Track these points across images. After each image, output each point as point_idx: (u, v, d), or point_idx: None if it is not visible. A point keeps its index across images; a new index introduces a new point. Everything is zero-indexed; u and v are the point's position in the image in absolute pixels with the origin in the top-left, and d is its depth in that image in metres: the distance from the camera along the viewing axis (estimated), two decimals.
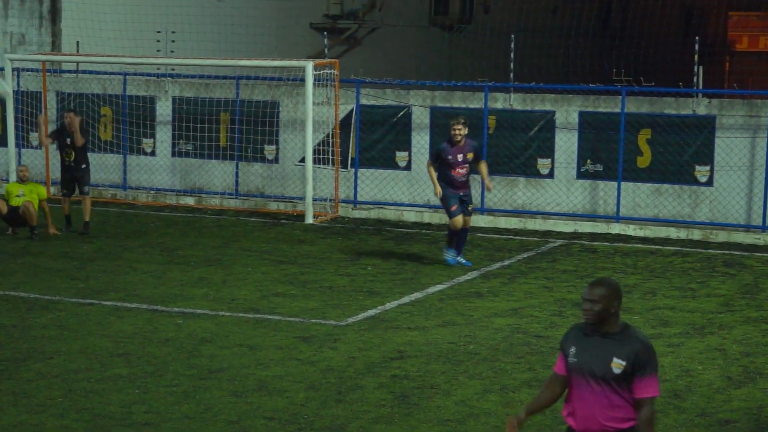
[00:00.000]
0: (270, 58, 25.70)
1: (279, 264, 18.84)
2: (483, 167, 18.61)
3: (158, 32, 27.89)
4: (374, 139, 24.09)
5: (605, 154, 22.57)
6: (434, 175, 18.45)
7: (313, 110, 23.40)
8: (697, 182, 22.06)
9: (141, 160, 25.84)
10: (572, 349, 7.55)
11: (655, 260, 19.72)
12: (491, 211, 23.20)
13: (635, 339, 7.45)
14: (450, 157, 18.25)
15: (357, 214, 23.94)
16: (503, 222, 22.80)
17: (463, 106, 23.53)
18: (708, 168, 21.96)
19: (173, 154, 25.65)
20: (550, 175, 23.00)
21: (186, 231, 21.99)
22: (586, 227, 22.50)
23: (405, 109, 23.87)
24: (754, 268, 19.18)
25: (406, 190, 23.92)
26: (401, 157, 23.96)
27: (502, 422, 11.13)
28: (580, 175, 22.82)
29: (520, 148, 23.05)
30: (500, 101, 23.36)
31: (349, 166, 24.29)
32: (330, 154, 24.06)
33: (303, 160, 23.89)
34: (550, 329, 14.82)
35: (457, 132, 18.25)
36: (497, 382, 12.50)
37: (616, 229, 22.25)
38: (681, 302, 16.54)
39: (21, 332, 14.33)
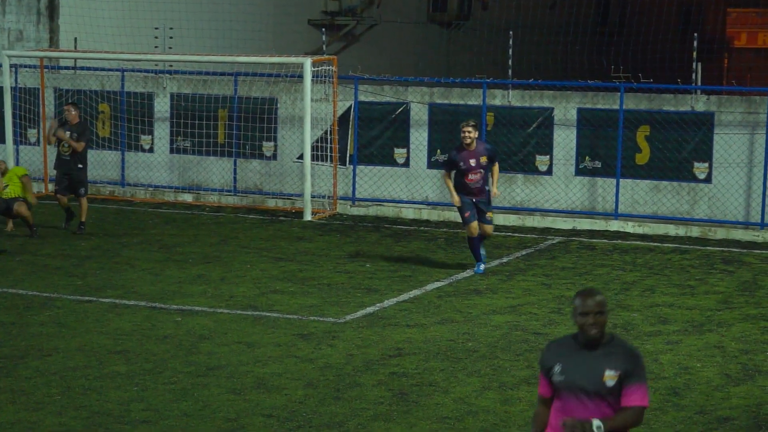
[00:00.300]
0: (268, 54, 25.69)
1: (277, 261, 18.83)
2: (494, 170, 17.73)
3: (156, 29, 27.87)
4: (372, 136, 24.08)
5: (604, 150, 22.56)
6: (451, 184, 17.56)
7: (311, 107, 23.38)
8: (695, 179, 22.05)
9: (139, 157, 25.82)
10: (557, 367, 7.10)
11: (653, 257, 19.71)
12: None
13: (624, 348, 7.08)
14: (462, 163, 17.36)
15: (355, 211, 23.92)
16: (502, 219, 22.78)
17: (462, 102, 23.51)
18: (707, 165, 21.95)
19: (171, 151, 25.63)
20: (549, 172, 22.99)
21: (184, 228, 21.97)
22: (584, 224, 22.50)
23: (403, 106, 23.86)
24: (752, 265, 19.17)
25: (404, 186, 23.91)
26: (399, 153, 23.95)
27: (501, 419, 11.13)
28: (579, 172, 22.80)
29: (518, 145, 23.04)
30: (498, 98, 23.34)
31: (347, 162, 24.27)
32: (328, 150, 24.04)
33: (301, 156, 23.88)
34: (549, 326, 14.81)
35: (467, 135, 17.31)
36: (496, 379, 12.49)
37: (614, 226, 22.25)
38: (680, 299, 16.53)
39: (19, 330, 14.31)
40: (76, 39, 27.21)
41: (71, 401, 11.56)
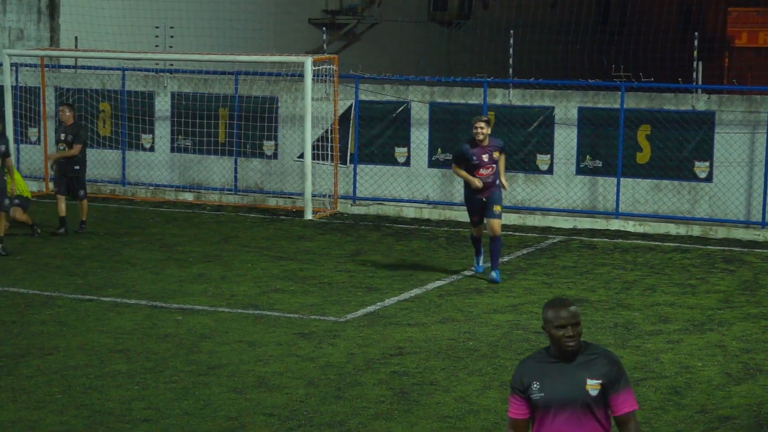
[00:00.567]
0: (269, 53, 25.68)
1: (278, 260, 18.83)
2: (501, 161, 17.20)
3: (157, 27, 27.85)
4: (373, 135, 24.07)
5: (604, 149, 22.56)
6: (463, 172, 16.99)
7: (312, 106, 23.38)
8: (696, 178, 22.05)
9: (140, 156, 25.82)
10: (535, 385, 6.68)
11: (654, 256, 19.71)
12: None
13: (602, 355, 6.73)
14: (474, 158, 16.90)
15: (356, 210, 23.92)
16: (503, 218, 22.72)
17: (462, 101, 23.51)
18: (707, 164, 21.94)
19: (172, 150, 25.63)
20: (550, 171, 22.98)
21: (185, 227, 21.98)
22: (585, 223, 22.49)
23: (404, 105, 23.85)
24: (753, 264, 19.17)
25: (405, 185, 23.90)
26: (400, 152, 23.94)
27: (502, 418, 11.12)
28: (580, 171, 22.80)
29: (519, 144, 23.03)
30: (499, 97, 23.34)
31: (348, 161, 24.26)
32: (329, 149, 24.04)
33: (302, 155, 23.87)
34: None
35: (479, 131, 16.84)
36: (497, 378, 12.49)
37: (615, 225, 22.25)
38: (680, 298, 16.53)
39: (20, 328, 14.31)
40: (76, 38, 27.20)
41: (72, 400, 11.56)
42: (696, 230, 21.82)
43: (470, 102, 23.43)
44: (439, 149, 23.57)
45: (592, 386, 6.64)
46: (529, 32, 31.81)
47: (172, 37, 27.71)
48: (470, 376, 12.54)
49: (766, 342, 14.22)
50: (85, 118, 25.83)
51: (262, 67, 25.10)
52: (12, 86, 25.24)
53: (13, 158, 24.41)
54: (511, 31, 24.22)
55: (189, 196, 25.18)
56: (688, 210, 22.16)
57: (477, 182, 16.88)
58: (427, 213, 23.46)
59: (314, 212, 23.33)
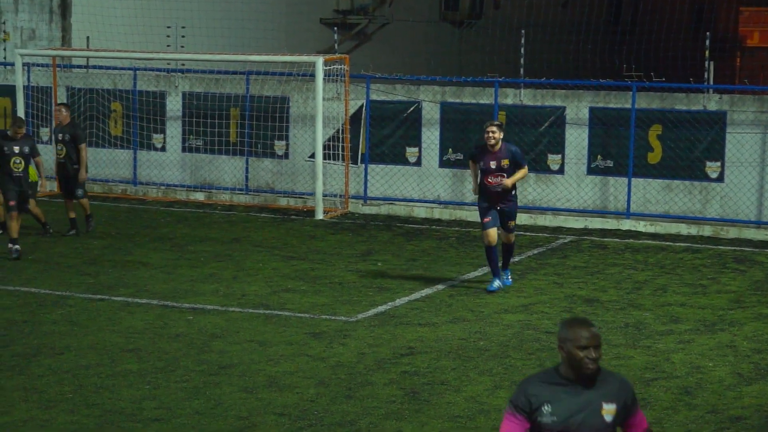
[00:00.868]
0: (280, 53, 25.70)
1: (289, 260, 18.84)
2: (521, 171, 16.35)
3: (168, 27, 27.88)
4: (384, 135, 24.08)
5: (616, 149, 22.54)
6: (474, 172, 16.54)
7: (323, 106, 23.39)
8: (707, 178, 22.02)
9: (151, 156, 25.86)
10: (546, 407, 6.32)
11: (665, 256, 19.69)
12: None
13: (613, 377, 6.46)
14: (482, 163, 16.26)
15: (367, 209, 23.92)
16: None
17: (474, 101, 23.50)
18: (719, 164, 21.91)
19: (183, 150, 25.66)
20: (561, 170, 22.97)
21: (196, 226, 22.00)
22: (596, 223, 22.48)
23: (415, 105, 23.85)
24: (765, 265, 19.13)
25: (416, 185, 23.90)
26: (411, 152, 23.95)
27: None
28: (591, 170, 22.78)
29: (530, 144, 23.02)
30: (510, 97, 23.33)
31: (359, 161, 24.27)
32: (340, 149, 24.05)
33: (313, 155, 23.89)
34: None
35: (491, 136, 16.11)
36: (507, 378, 12.48)
37: (626, 225, 22.23)
38: (692, 298, 16.51)
39: (32, 328, 14.34)
40: (88, 38, 27.25)
41: (83, 399, 11.59)
42: (707, 230, 21.79)
43: (481, 102, 23.42)
44: (450, 149, 23.57)
45: (608, 411, 6.35)
46: (541, 32, 31.79)
47: (183, 36, 27.75)
48: (481, 376, 12.54)
49: None
50: (96, 117, 25.89)
51: (273, 67, 25.11)
52: (24, 86, 25.29)
53: None
54: (523, 31, 24.21)
55: (200, 196, 25.21)
56: (699, 210, 22.13)
57: (474, 190, 16.58)
58: (438, 213, 23.46)
59: (325, 212, 23.34)
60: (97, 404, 11.44)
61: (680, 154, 22.10)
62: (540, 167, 23.06)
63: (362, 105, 24.15)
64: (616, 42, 34.75)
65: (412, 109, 23.86)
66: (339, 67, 23.95)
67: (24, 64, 25.45)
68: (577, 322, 6.42)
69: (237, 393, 11.83)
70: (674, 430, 10.95)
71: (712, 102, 22.08)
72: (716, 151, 21.91)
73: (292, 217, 23.26)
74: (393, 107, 24.00)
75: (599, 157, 22.71)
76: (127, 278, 17.21)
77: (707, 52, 22.79)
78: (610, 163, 22.64)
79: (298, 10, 33.89)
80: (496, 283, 16.58)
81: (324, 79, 23.33)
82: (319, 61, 23.25)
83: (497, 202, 16.31)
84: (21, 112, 24.81)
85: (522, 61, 23.93)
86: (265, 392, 11.87)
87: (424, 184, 23.84)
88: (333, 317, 15.04)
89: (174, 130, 25.71)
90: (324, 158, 23.60)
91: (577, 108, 22.83)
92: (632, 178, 22.32)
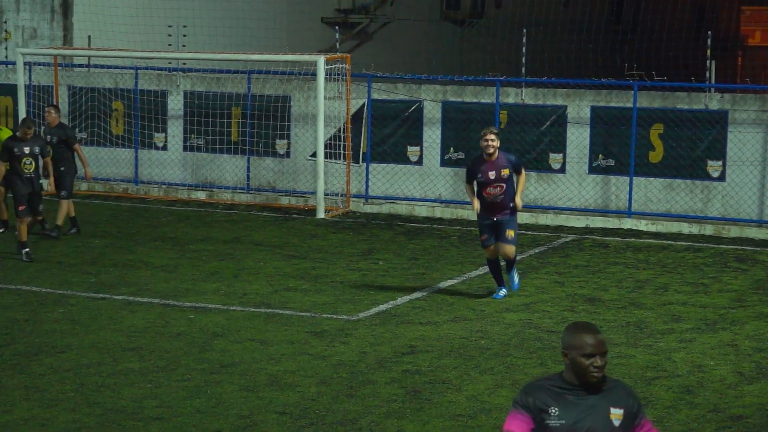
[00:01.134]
0: (281, 52, 25.71)
1: (290, 259, 18.84)
2: (521, 179, 15.69)
3: (170, 26, 27.90)
4: (386, 134, 24.08)
5: (617, 148, 22.53)
6: (471, 190, 15.67)
7: (324, 105, 23.40)
8: (709, 177, 22.01)
9: (152, 155, 25.86)
10: (554, 410, 6.17)
11: (667, 255, 19.68)
12: None
13: (618, 383, 6.34)
14: (480, 175, 15.37)
15: (368, 208, 23.93)
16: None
17: (475, 100, 23.50)
18: (720, 163, 21.91)
19: (185, 149, 25.66)
20: (562, 169, 22.97)
21: (197, 225, 22.01)
22: (597, 222, 22.47)
23: (416, 104, 23.85)
24: (766, 264, 19.13)
25: (417, 184, 23.90)
26: (413, 151, 23.95)
27: None
28: (592, 170, 22.78)
29: (531, 143, 23.02)
30: (512, 96, 23.33)
31: (360, 160, 24.27)
32: (341, 148, 24.05)
33: (314, 154, 23.89)
34: (562, 324, 14.79)
35: (489, 144, 15.28)
36: (509, 377, 12.49)
37: (628, 224, 22.22)
38: (693, 297, 16.51)
39: (33, 326, 14.35)
40: (89, 37, 27.25)
41: (85, 398, 11.59)
42: (709, 229, 21.79)
43: (483, 101, 23.42)
44: (452, 148, 23.56)
45: (616, 416, 6.21)
46: (542, 31, 31.80)
47: (185, 36, 27.76)
48: (482, 375, 12.54)
49: None
50: (98, 116, 25.89)
51: (274, 66, 25.11)
52: (25, 85, 25.29)
53: None
54: (524, 30, 24.21)
55: (201, 195, 25.22)
56: (700, 209, 22.12)
57: (476, 206, 15.49)
58: (440, 212, 23.46)
59: (326, 211, 23.34)
60: (99, 403, 11.44)
61: (682, 153, 22.09)
62: (541, 166, 23.06)
63: (364, 104, 24.15)
64: (618, 41, 34.75)
65: (413, 108, 23.86)
66: (340, 66, 23.96)
67: (25, 63, 25.45)
68: (582, 327, 6.23)
69: (238, 392, 11.83)
70: (675, 429, 10.94)
71: (713, 101, 22.07)
72: (718, 150, 21.91)
73: (294, 216, 23.27)
74: (394, 106, 24.01)
75: (601, 156, 22.70)
76: (129, 277, 17.21)
77: (709, 51, 22.78)
78: (611, 162, 22.64)
79: (299, 9, 33.89)
80: (503, 292, 16.08)
81: (325, 78, 23.33)
82: (321, 60, 23.26)
83: (496, 213, 15.51)
84: (22, 112, 24.81)
85: (523, 60, 23.93)
86: (267, 391, 11.87)
87: (426, 183, 23.84)
88: (334, 316, 15.04)
89: (175, 129, 25.72)
90: (325, 157, 23.60)
91: (579, 107, 22.82)
92: (634, 177, 22.32)
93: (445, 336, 14.12)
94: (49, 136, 20.32)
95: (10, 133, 20.17)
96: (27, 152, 18.58)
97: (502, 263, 16.16)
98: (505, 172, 15.37)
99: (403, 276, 17.63)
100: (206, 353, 13.22)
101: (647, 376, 12.55)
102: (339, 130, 24.12)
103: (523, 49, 23.94)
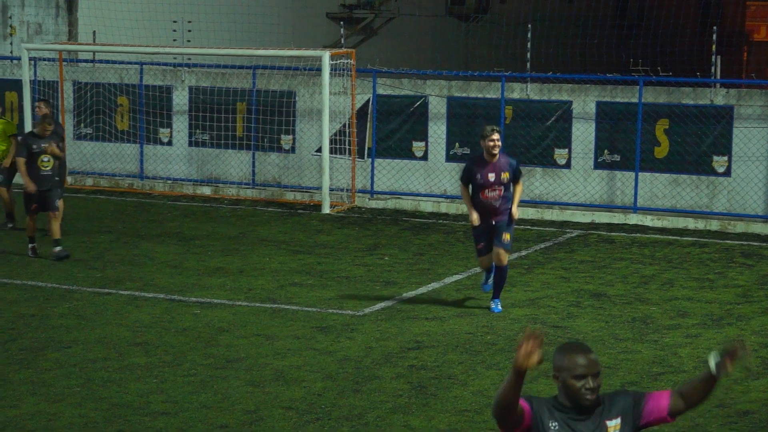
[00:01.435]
0: (286, 47, 25.68)
1: (296, 254, 18.84)
2: (517, 189, 14.74)
3: (174, 22, 27.87)
4: (391, 129, 24.06)
5: (622, 144, 22.51)
6: (468, 198, 14.74)
7: (329, 100, 23.38)
8: (714, 172, 21.99)
9: (158, 150, 25.86)
10: (553, 425, 5.95)
11: (672, 251, 19.67)
12: None
13: (609, 396, 6.07)
14: (479, 176, 14.51)
15: (374, 204, 23.92)
16: (520, 212, 22.63)
17: (480, 96, 23.48)
18: (726, 158, 21.88)
19: (190, 144, 25.66)
20: (567, 165, 22.95)
21: (203, 221, 22.01)
22: (603, 217, 22.45)
23: (422, 99, 23.83)
24: None
25: (422, 180, 23.89)
26: (418, 147, 23.93)
27: None
28: (598, 165, 22.76)
29: (537, 138, 23.00)
30: (517, 91, 23.31)
31: (365, 156, 24.26)
32: (347, 143, 24.04)
33: (319, 149, 23.88)
34: (567, 319, 14.79)
35: (496, 143, 14.41)
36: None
37: (633, 219, 22.20)
38: (699, 293, 16.49)
39: (39, 321, 14.36)
40: (94, 32, 27.24)
41: (91, 393, 11.60)
42: (714, 225, 21.76)
43: (488, 96, 23.40)
44: (457, 143, 23.55)
45: (614, 427, 5.98)
46: (547, 26, 31.76)
47: (189, 31, 27.74)
48: (488, 370, 12.54)
49: None
50: (103, 112, 25.89)
51: (279, 62, 25.10)
52: (30, 80, 25.29)
53: None
54: (529, 25, 24.18)
55: (207, 190, 25.22)
56: (706, 204, 22.10)
57: (474, 218, 14.60)
58: (445, 207, 23.45)
59: (332, 206, 23.34)
60: (105, 398, 11.45)
61: (687, 149, 22.06)
62: (547, 162, 23.04)
63: (369, 99, 24.14)
64: (623, 36, 34.70)
65: (418, 103, 23.84)
66: (345, 61, 23.94)
67: (30, 59, 25.44)
68: (572, 348, 5.97)
69: (244, 387, 11.84)
70: (682, 424, 10.93)
71: (719, 96, 22.05)
72: (723, 146, 21.88)
73: (299, 212, 23.26)
74: (399, 101, 23.99)
75: (606, 151, 22.68)
76: (134, 272, 17.22)
77: (714, 47, 22.74)
78: (617, 158, 22.61)
79: (304, 5, 33.88)
80: (490, 281, 15.17)
81: (330, 73, 23.32)
82: (326, 55, 23.25)
83: (492, 216, 14.62)
84: (27, 107, 24.81)
85: (528, 55, 23.91)
86: (272, 386, 11.87)
87: (431, 178, 23.82)
88: (340, 311, 15.04)
89: (180, 125, 25.71)
90: (330, 152, 23.59)
91: (584, 102, 22.81)
92: (639, 173, 22.30)
93: (450, 331, 14.12)
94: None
95: (12, 125, 20.09)
96: (45, 149, 18.33)
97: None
98: (506, 175, 14.50)
99: (409, 271, 17.63)
100: (212, 348, 13.23)
101: (653, 372, 12.55)
102: (344, 126, 24.11)
103: (528, 45, 23.91)
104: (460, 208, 23.22)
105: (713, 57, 22.48)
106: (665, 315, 15.12)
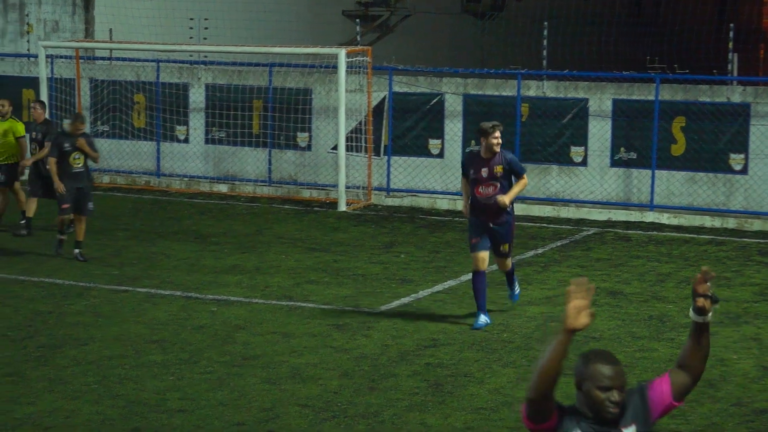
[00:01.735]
0: (303, 45, 25.70)
1: (312, 251, 18.86)
2: (519, 182, 14.20)
3: (191, 19, 27.93)
4: (407, 127, 24.06)
5: (639, 141, 22.48)
6: (466, 189, 14.34)
7: (345, 97, 23.39)
8: (731, 170, 21.94)
9: (174, 148, 25.91)
10: (576, 430, 5.74)
11: (689, 249, 19.63)
12: (525, 199, 23.10)
13: (626, 404, 5.87)
14: (472, 171, 14.05)
15: (390, 201, 23.92)
16: (536, 210, 22.74)
17: (496, 93, 23.47)
18: (743, 156, 21.83)
19: (206, 142, 25.70)
20: (584, 163, 22.92)
21: (219, 218, 22.04)
22: (619, 215, 22.42)
23: (438, 97, 23.83)
24: None
25: (439, 177, 23.89)
26: (434, 144, 23.93)
27: None
28: (614, 163, 22.73)
29: (553, 136, 22.98)
30: (533, 89, 23.29)
31: (381, 153, 24.27)
32: (363, 141, 24.06)
33: (336, 147, 23.89)
34: None
35: (499, 141, 13.98)
36: (531, 370, 12.46)
37: (650, 217, 22.16)
38: (716, 291, 16.42)
39: (56, 319, 14.40)
40: (111, 30, 27.30)
41: (108, 390, 11.63)
42: (731, 222, 21.72)
43: (504, 94, 23.38)
44: (473, 141, 23.52)
45: None
46: (563, 24, 31.71)
47: (206, 28, 27.79)
48: (504, 368, 12.54)
49: None
50: (119, 109, 25.95)
51: (296, 59, 25.12)
52: (47, 78, 25.37)
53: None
54: (545, 23, 24.15)
55: (223, 188, 25.26)
56: (723, 202, 22.05)
57: (465, 211, 14.37)
58: (461, 205, 23.40)
59: (348, 204, 23.35)
60: (122, 395, 11.48)
61: (704, 146, 22.02)
62: (563, 159, 23.02)
63: (385, 97, 24.15)
64: (639, 34, 34.64)
65: (434, 101, 23.84)
66: (362, 59, 23.95)
67: (47, 56, 25.52)
68: (599, 356, 5.74)
69: (260, 384, 11.86)
70: (698, 422, 10.92)
71: (735, 94, 22.00)
72: (740, 143, 21.83)
73: (315, 209, 23.28)
74: (416, 99, 23.99)
75: (622, 149, 22.65)
76: (151, 270, 17.25)
77: (731, 44, 22.69)
78: (633, 155, 22.58)
79: (320, 2, 33.90)
80: (482, 319, 14.23)
81: (347, 71, 23.33)
82: (342, 53, 23.26)
83: (490, 217, 14.14)
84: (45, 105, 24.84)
85: (545, 53, 23.88)
86: (289, 383, 11.89)
87: (447, 176, 23.81)
88: (356, 309, 15.05)
89: (197, 122, 25.75)
90: (347, 150, 23.61)
91: (600, 100, 22.77)
92: (656, 170, 22.26)
93: (467, 329, 14.12)
94: (34, 133, 19.92)
95: (20, 127, 20.06)
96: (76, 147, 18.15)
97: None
98: (498, 169, 13.93)
99: (425, 269, 17.63)
100: (228, 346, 13.25)
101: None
102: (360, 123, 24.13)
103: (544, 42, 23.89)
104: None
105: (730, 54, 22.42)
106: (682, 313, 15.09)
